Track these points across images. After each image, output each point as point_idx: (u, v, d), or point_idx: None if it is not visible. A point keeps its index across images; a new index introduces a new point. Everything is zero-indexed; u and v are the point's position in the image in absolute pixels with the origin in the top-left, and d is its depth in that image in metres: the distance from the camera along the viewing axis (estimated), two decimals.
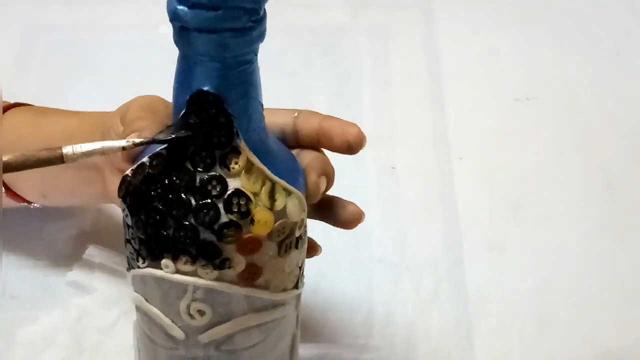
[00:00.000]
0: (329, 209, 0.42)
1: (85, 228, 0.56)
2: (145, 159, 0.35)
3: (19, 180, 0.48)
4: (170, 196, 0.34)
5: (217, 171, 0.34)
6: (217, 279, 0.35)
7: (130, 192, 0.35)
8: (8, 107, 0.49)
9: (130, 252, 0.37)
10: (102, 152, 0.35)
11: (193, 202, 0.34)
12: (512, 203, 0.59)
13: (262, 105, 0.35)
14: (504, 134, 0.63)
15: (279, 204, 0.35)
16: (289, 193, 0.36)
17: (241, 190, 0.34)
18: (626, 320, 0.53)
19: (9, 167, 0.34)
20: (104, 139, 0.42)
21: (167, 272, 0.35)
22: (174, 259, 0.35)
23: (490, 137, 0.62)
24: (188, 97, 0.33)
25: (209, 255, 0.34)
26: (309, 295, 0.52)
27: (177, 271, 0.35)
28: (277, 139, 0.39)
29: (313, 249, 0.44)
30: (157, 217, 0.34)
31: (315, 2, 0.69)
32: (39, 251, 0.54)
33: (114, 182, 0.43)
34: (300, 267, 0.39)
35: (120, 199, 0.36)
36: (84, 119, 0.47)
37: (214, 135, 0.34)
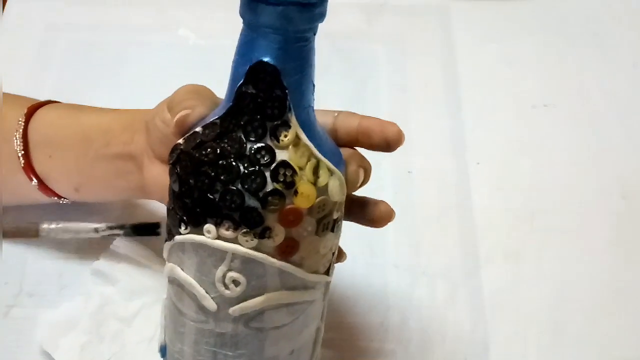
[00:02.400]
0: (360, 207, 0.43)
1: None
2: (198, 128, 0.37)
3: (53, 172, 0.49)
4: (221, 162, 0.35)
5: (267, 142, 0.36)
6: (256, 249, 0.36)
7: (180, 159, 0.37)
8: (41, 105, 0.50)
9: (172, 220, 0.38)
10: (77, 231, 0.43)
11: (242, 168, 0.35)
12: (528, 210, 0.59)
13: (314, 85, 0.37)
14: (520, 141, 0.63)
15: (321, 181, 0.37)
16: (331, 173, 0.37)
17: (288, 162, 0.36)
18: None
19: None
20: (147, 130, 0.44)
21: (208, 238, 0.36)
22: (217, 224, 0.36)
23: (506, 144, 0.63)
24: (247, 68, 0.35)
25: (252, 223, 0.36)
26: None
27: (219, 237, 0.36)
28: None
29: (339, 254, 0.45)
30: (206, 180, 0.36)
31: (332, 9, 0.69)
32: (67, 239, 0.54)
33: (153, 171, 0.44)
34: (333, 254, 0.40)
35: (170, 165, 0.38)
36: (121, 114, 0.48)
37: (268, 107, 0.35)
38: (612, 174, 0.61)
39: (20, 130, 0.48)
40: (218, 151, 0.36)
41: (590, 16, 0.72)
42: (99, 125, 0.48)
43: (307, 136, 0.36)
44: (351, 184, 0.40)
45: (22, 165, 0.48)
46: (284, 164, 0.36)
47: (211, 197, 0.36)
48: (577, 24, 0.71)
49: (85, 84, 0.64)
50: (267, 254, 0.37)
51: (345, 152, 0.41)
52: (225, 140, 0.36)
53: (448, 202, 0.59)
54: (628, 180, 0.61)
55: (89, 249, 0.54)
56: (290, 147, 0.36)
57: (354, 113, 0.43)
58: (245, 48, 0.35)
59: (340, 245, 0.46)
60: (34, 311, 0.51)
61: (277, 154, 0.36)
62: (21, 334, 0.50)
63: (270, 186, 0.35)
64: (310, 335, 0.42)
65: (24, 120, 0.48)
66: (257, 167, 0.35)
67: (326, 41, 0.66)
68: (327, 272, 0.40)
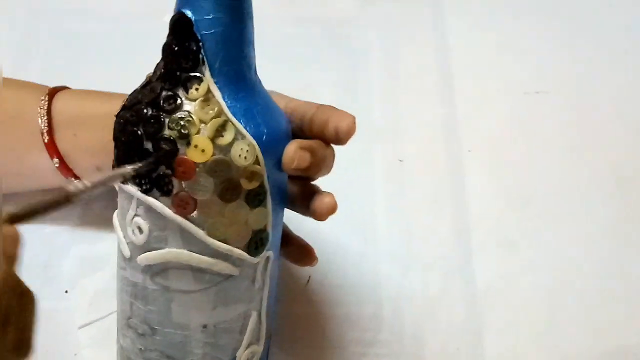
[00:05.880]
0: (306, 197, 0.41)
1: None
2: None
3: (77, 150, 0.48)
4: (135, 107, 0.37)
5: (177, 92, 0.36)
6: (153, 196, 0.37)
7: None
8: (60, 88, 0.49)
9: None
10: (104, 183, 0.34)
11: (147, 113, 0.36)
12: (521, 198, 0.58)
13: (251, 42, 0.37)
14: (513, 128, 0.62)
15: (224, 140, 0.36)
16: (242, 136, 0.36)
17: (190, 114, 0.36)
18: (636, 318, 0.52)
19: (16, 219, 0.30)
20: None
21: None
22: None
23: (499, 131, 0.61)
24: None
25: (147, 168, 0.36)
26: (316, 288, 0.52)
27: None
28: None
29: (309, 256, 0.44)
30: (121, 122, 0.37)
31: None
32: None
33: None
34: (254, 231, 0.38)
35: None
36: None
37: (183, 58, 0.36)
38: (606, 161, 0.60)
39: (45, 108, 0.47)
40: (139, 97, 0.37)
41: (582, 3, 0.69)
42: (108, 114, 0.43)
43: (231, 94, 0.36)
44: (285, 162, 0.38)
45: (46, 141, 0.47)
46: (185, 114, 0.36)
47: (122, 139, 0.37)
48: (569, 10, 0.68)
49: (69, 72, 0.60)
50: (164, 204, 0.37)
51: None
52: (147, 88, 0.37)
53: (440, 190, 0.58)
54: (621, 167, 0.60)
55: (75, 241, 0.53)
56: (198, 100, 0.36)
57: (333, 107, 0.41)
58: (177, 1, 0.37)
59: (312, 246, 0.44)
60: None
61: (183, 105, 0.36)
62: None
63: (165, 132, 0.36)
64: (231, 317, 0.40)
65: (47, 100, 0.48)
66: (159, 112, 0.36)
67: (318, 27, 0.66)
68: (248, 250, 0.38)
